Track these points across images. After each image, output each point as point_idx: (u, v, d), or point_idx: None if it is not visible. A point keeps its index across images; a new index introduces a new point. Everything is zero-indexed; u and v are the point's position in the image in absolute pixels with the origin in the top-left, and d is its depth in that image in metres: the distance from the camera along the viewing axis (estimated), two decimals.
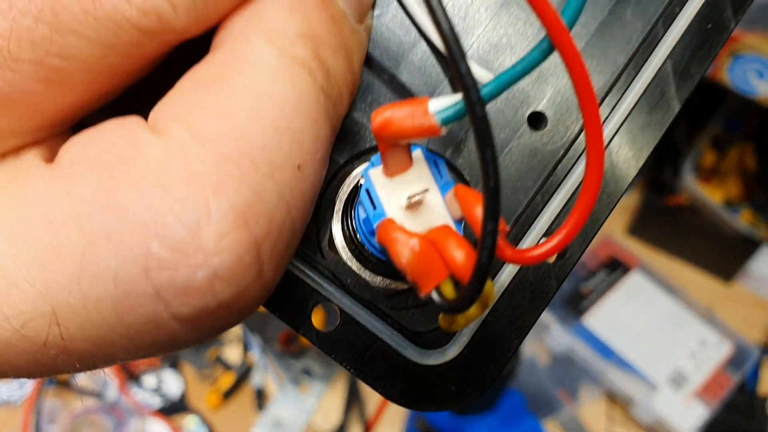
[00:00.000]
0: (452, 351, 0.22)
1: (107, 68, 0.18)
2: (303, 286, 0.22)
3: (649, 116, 0.24)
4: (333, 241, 0.22)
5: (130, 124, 0.18)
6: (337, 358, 0.22)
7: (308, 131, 0.18)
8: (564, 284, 1.14)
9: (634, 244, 1.27)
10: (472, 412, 0.91)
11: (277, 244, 0.17)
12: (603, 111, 0.24)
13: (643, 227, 1.27)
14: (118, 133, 0.18)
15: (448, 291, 0.18)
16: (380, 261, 0.22)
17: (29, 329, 0.17)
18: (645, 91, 0.24)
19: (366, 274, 0.22)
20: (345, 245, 0.22)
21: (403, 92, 0.22)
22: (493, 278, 0.23)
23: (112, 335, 0.17)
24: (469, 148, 0.23)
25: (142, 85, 0.19)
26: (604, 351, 1.13)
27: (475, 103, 0.15)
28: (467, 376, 0.22)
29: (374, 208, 0.19)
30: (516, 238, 0.23)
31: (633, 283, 1.20)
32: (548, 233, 0.23)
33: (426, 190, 0.19)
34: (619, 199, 0.24)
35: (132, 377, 1.08)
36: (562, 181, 0.23)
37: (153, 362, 1.10)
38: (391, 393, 0.22)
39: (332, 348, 0.22)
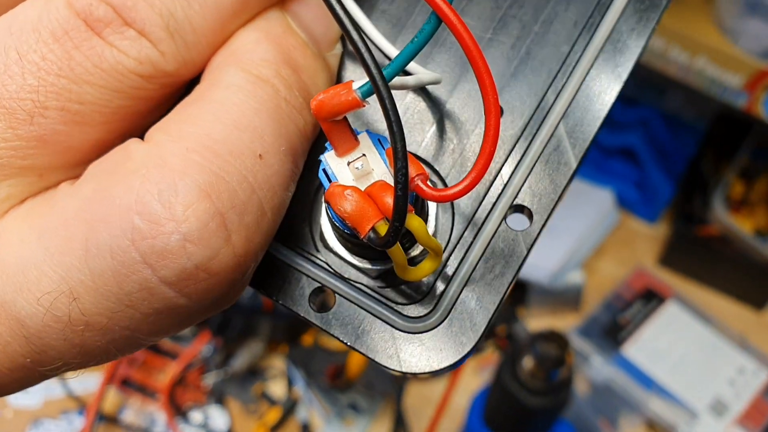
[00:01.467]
0: (435, 318, 0.25)
1: (119, 109, 0.23)
2: (301, 276, 0.26)
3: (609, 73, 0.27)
4: (323, 235, 0.26)
5: (127, 142, 0.23)
6: (334, 334, 0.25)
7: (268, 128, 0.22)
8: (602, 315, 1.16)
9: (667, 275, 1.29)
10: None
11: (244, 217, 0.21)
12: (549, 95, 0.27)
13: (675, 258, 1.30)
14: (118, 149, 0.22)
15: (382, 230, 0.22)
16: (360, 247, 0.25)
17: (56, 308, 0.21)
18: (599, 51, 0.27)
19: (355, 260, 0.26)
20: (333, 237, 0.26)
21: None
22: (463, 246, 0.26)
23: (119, 305, 0.21)
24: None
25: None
26: (644, 380, 1.14)
27: (375, 76, 0.20)
28: (450, 339, 0.24)
29: (329, 181, 0.23)
30: (486, 210, 0.26)
31: (668, 312, 1.22)
32: (513, 207, 0.26)
33: (363, 155, 0.23)
34: (578, 159, 0.26)
35: (179, 413, 1.09)
36: (520, 160, 0.26)
37: (199, 398, 1.11)
38: (383, 359, 0.25)
39: (329, 326, 0.25)
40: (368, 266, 0.25)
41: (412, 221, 0.22)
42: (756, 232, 1.23)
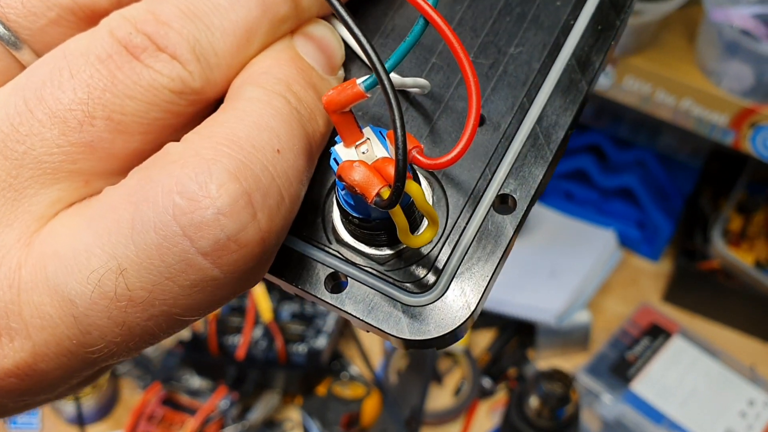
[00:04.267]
0: (436, 293, 0.29)
1: (155, 120, 0.26)
2: (316, 264, 0.30)
3: (564, 98, 0.32)
4: (335, 229, 0.30)
5: (164, 146, 0.26)
6: (347, 310, 0.29)
7: (283, 129, 0.26)
8: (610, 353, 1.18)
9: (672, 310, 1.32)
10: None
11: (267, 199, 0.25)
12: (525, 101, 0.31)
13: (679, 293, 1.32)
14: (156, 153, 0.26)
15: (386, 194, 0.25)
16: (368, 233, 0.29)
17: (103, 284, 0.24)
18: (557, 82, 0.32)
19: (363, 247, 0.29)
20: (344, 230, 0.30)
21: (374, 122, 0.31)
22: (457, 230, 0.30)
23: (159, 278, 0.24)
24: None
25: None
26: (655, 416, 1.15)
27: (379, 69, 0.25)
28: (449, 311, 0.28)
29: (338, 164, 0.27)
30: (475, 200, 0.30)
31: (676, 348, 1.24)
32: (499, 196, 0.30)
33: (368, 140, 0.27)
34: (553, 153, 0.31)
35: None
36: (503, 156, 0.31)
37: None
38: (391, 329, 0.28)
39: (343, 304, 0.29)
40: (375, 252, 0.29)
41: (411, 186, 0.25)
42: (756, 264, 1.25)
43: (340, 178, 0.26)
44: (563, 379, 0.83)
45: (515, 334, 1.30)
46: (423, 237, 0.27)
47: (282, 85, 0.27)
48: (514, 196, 0.30)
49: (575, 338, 1.27)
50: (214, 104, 0.28)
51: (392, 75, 0.29)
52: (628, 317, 1.29)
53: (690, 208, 1.38)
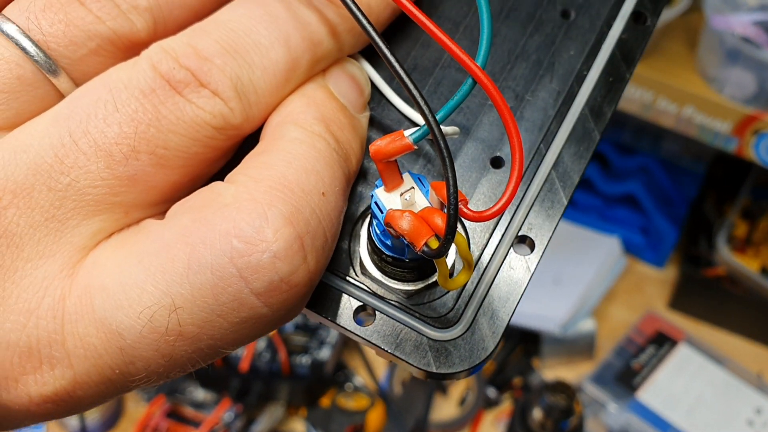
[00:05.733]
0: (459, 328, 0.30)
1: (195, 155, 0.27)
2: (346, 298, 0.31)
3: (578, 146, 0.33)
4: (362, 263, 0.31)
5: (213, 184, 0.27)
6: (376, 344, 0.30)
7: (326, 172, 0.27)
8: (615, 362, 1.17)
9: (677, 318, 1.31)
10: None
11: (315, 241, 0.26)
12: (542, 147, 0.33)
13: (684, 300, 1.31)
14: (204, 190, 0.27)
15: (434, 244, 0.26)
16: (398, 270, 0.30)
17: (155, 320, 0.24)
18: (572, 129, 0.33)
19: (391, 282, 0.31)
20: (372, 264, 0.31)
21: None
22: (479, 269, 0.31)
23: (211, 315, 0.25)
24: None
25: (224, 170, 0.29)
26: (661, 425, 1.15)
27: (432, 123, 0.26)
28: (472, 346, 0.29)
29: (381, 212, 0.28)
30: (496, 240, 0.31)
31: (681, 355, 1.23)
32: (518, 237, 0.31)
33: (413, 188, 0.28)
34: (568, 199, 0.32)
35: None
36: (522, 198, 0.32)
37: None
38: (418, 362, 0.29)
39: (371, 337, 0.30)
40: (401, 287, 0.30)
41: (458, 237, 0.27)
42: (762, 271, 1.24)
43: (388, 226, 0.27)
44: (566, 390, 0.83)
45: (520, 344, 1.29)
46: (459, 280, 0.28)
47: (321, 126, 0.28)
48: (533, 237, 0.31)
49: (580, 347, 1.26)
50: (248, 137, 0.29)
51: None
52: (633, 325, 1.28)
53: (694, 214, 1.37)
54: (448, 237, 0.26)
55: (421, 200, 0.28)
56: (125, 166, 0.26)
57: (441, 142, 0.26)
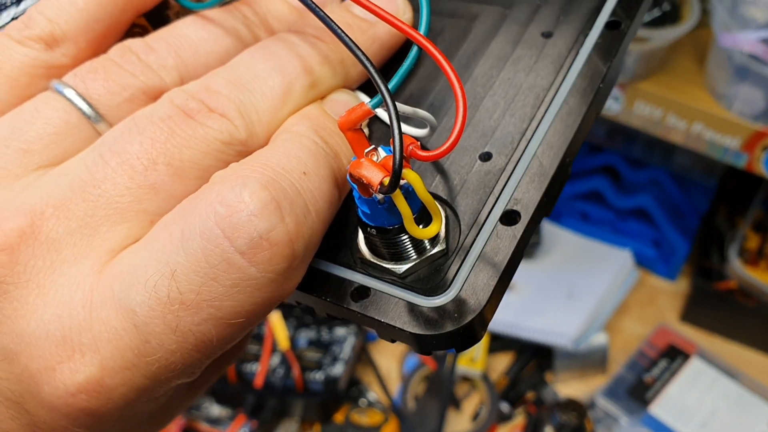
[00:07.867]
0: (452, 293, 0.31)
1: (208, 167, 0.31)
2: (344, 280, 0.33)
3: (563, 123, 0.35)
4: (360, 250, 0.33)
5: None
6: (371, 315, 0.32)
7: (309, 159, 0.31)
8: (628, 375, 1.17)
9: (689, 331, 1.31)
10: None
11: (294, 208, 0.29)
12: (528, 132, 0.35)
13: (696, 313, 1.31)
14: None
15: (387, 182, 0.28)
16: (389, 249, 0.32)
17: (158, 289, 0.27)
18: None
19: (384, 263, 0.33)
20: (367, 249, 0.33)
21: None
22: (468, 243, 0.33)
23: (205, 278, 0.27)
24: None
25: None
26: None
27: (384, 89, 0.29)
28: (465, 308, 0.31)
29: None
30: (484, 217, 0.33)
31: (694, 369, 1.23)
32: (505, 212, 0.33)
33: (375, 148, 0.30)
34: (558, 162, 0.34)
35: None
36: (506, 183, 0.34)
37: None
38: (412, 328, 0.31)
39: (369, 311, 0.32)
40: (396, 266, 0.32)
41: (409, 174, 0.29)
42: None
43: (351, 176, 0.29)
44: (578, 409, 0.83)
45: (533, 358, 1.30)
46: (430, 229, 0.31)
47: (311, 131, 0.32)
48: (519, 212, 0.33)
49: (593, 361, 1.26)
50: None
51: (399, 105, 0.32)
52: (645, 338, 1.28)
53: (706, 226, 1.37)
54: (395, 169, 0.28)
55: (382, 155, 0.31)
56: (145, 175, 0.30)
57: (386, 95, 0.29)
